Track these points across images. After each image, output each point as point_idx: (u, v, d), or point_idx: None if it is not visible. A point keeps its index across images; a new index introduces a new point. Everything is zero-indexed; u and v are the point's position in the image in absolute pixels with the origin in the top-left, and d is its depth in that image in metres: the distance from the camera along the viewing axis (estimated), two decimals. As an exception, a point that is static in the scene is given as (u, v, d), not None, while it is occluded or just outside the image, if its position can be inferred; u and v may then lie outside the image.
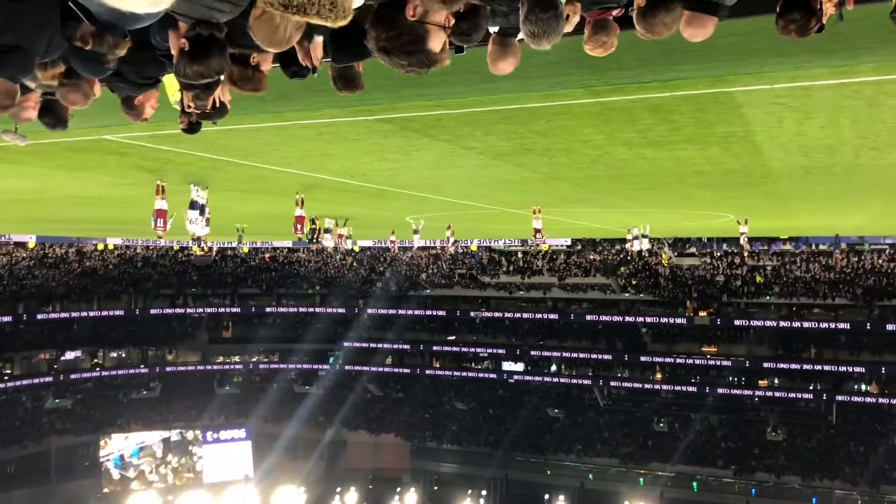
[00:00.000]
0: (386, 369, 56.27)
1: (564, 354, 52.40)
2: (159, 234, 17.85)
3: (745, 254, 48.79)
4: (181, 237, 33.75)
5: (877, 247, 45.87)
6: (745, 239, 28.75)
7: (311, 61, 3.25)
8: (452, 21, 2.25)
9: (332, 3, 1.80)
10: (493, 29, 2.85)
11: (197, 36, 2.41)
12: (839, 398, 45.67)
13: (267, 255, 61.04)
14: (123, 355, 57.06)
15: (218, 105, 3.65)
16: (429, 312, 56.18)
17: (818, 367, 46.42)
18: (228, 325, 60.40)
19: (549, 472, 49.32)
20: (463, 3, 1.87)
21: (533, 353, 53.08)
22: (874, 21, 5.86)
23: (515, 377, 53.27)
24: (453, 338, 55.83)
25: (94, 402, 52.98)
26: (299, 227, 22.15)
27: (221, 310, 59.91)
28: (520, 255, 54.43)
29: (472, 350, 55.14)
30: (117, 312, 56.28)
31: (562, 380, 52.37)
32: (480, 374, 54.69)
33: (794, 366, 46.99)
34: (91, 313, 55.26)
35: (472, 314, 54.91)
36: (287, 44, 2.20)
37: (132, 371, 55.35)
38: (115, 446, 48.39)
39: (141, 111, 3.60)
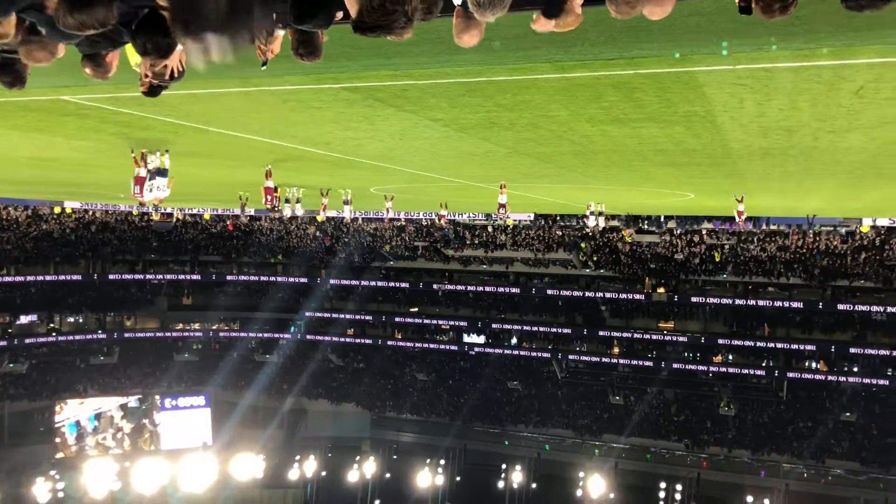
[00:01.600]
0: (347, 339, 56.33)
1: (525, 328, 52.94)
2: (141, 201, 17.78)
3: (704, 232, 49.56)
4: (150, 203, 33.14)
5: (827, 227, 46.88)
6: (742, 218, 28.11)
7: (264, 55, 3.23)
8: None
9: None
10: (457, 1, 2.87)
11: None
12: (790, 375, 46.93)
13: (230, 223, 60.38)
14: (80, 320, 56.26)
15: (177, 74, 3.59)
16: (391, 284, 56.25)
17: (771, 345, 47.59)
18: (188, 292, 59.81)
19: (506, 443, 50.08)
20: None
21: (494, 325, 53.55)
22: (833, 5, 5.98)
23: (476, 349, 53.72)
24: (416, 309, 56.03)
25: (50, 367, 52.24)
26: (268, 197, 22.28)
27: (181, 276, 59.26)
28: (490, 228, 54.48)
29: (434, 322, 55.42)
30: (75, 277, 55.34)
31: (521, 352, 52.97)
32: (442, 346, 55.04)
33: (747, 343, 48.13)
34: (48, 277, 54.28)
35: (434, 286, 55.10)
36: None
37: (89, 336, 54.60)
38: (71, 412, 47.94)
39: (108, 69, 3.52)
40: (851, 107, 10.41)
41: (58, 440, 47.03)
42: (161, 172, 17.25)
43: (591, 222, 34.43)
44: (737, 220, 28.23)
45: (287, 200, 27.19)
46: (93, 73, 3.45)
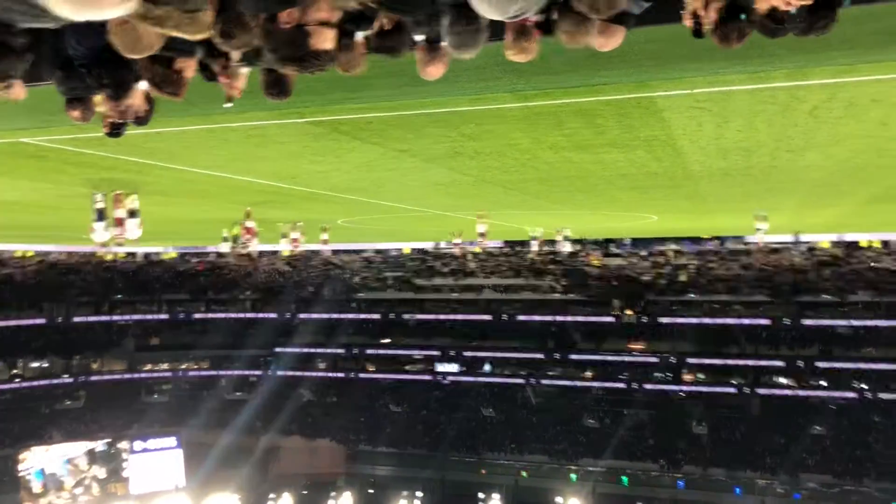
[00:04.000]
0: (319, 374, 55.72)
1: (498, 354, 52.84)
2: (122, 241, 17.78)
3: (671, 253, 50.16)
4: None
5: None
6: (763, 238, 26.78)
7: (231, 91, 3.27)
8: (338, 16, 2.30)
9: (191, 17, 1.84)
10: (420, 37, 2.92)
11: None
12: (760, 391, 47.35)
13: (200, 265, 59.74)
14: (45, 365, 54.96)
15: (143, 114, 3.60)
16: (362, 316, 55.89)
17: (740, 362, 48.05)
18: (156, 332, 58.82)
19: (483, 471, 49.69)
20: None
21: (467, 353, 53.36)
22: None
23: (450, 378, 53.46)
24: (387, 340, 55.69)
25: (14, 414, 50.83)
26: (248, 237, 22.86)
27: (149, 317, 58.31)
28: (469, 256, 54.13)
29: (407, 352, 55.09)
30: (38, 321, 54.16)
31: (495, 379, 52.81)
32: (415, 377, 54.68)
33: (717, 361, 48.51)
34: (10, 322, 53.04)
35: (405, 316, 54.80)
36: (150, 51, 2.22)
37: (55, 381, 53.33)
38: (36, 459, 46.59)
39: (93, 111, 3.52)
40: (807, 126, 10.68)
41: (23, 490, 45.61)
42: (133, 213, 17.47)
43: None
44: (757, 240, 27.14)
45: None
46: (81, 115, 3.45)
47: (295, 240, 28.56)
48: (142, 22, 1.82)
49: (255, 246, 26.35)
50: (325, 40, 2.24)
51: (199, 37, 1.92)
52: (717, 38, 2.80)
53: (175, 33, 1.89)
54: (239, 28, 2.28)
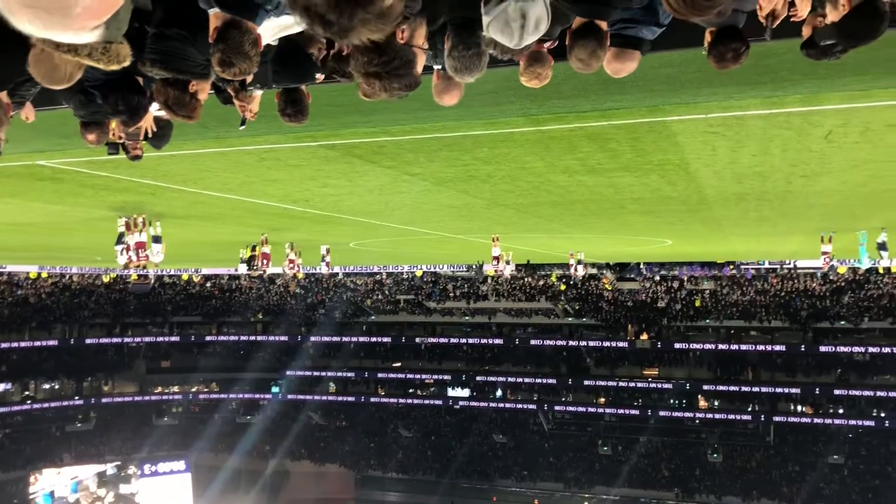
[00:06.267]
0: (330, 397, 55.55)
1: (510, 379, 52.51)
2: (139, 264, 18.01)
3: (685, 279, 49.80)
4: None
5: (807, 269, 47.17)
6: (827, 261, 23.26)
7: (245, 113, 3.28)
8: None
9: (105, 48, 1.83)
10: (437, 66, 2.91)
11: None
12: (776, 419, 46.77)
13: (215, 289, 59.91)
14: (57, 387, 55.09)
15: (150, 135, 3.62)
16: (373, 339, 55.76)
17: (756, 389, 47.53)
18: (167, 355, 58.90)
19: (494, 498, 49.21)
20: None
21: (478, 378, 53.06)
22: (798, 54, 6.11)
23: (461, 403, 53.13)
24: (398, 364, 55.49)
25: (25, 435, 50.90)
26: (265, 262, 23.01)
27: (160, 339, 58.43)
28: (489, 280, 53.27)
29: (418, 377, 54.85)
30: (50, 342, 54.37)
31: (507, 405, 52.43)
32: (426, 401, 54.39)
33: (732, 388, 48.02)
34: (22, 343, 53.26)
35: (416, 340, 54.59)
36: (68, 81, 2.22)
37: (66, 403, 53.40)
38: (47, 482, 46.56)
39: (108, 135, 3.56)
40: (822, 151, 10.61)
41: (32, 512, 45.54)
42: (156, 239, 17.82)
43: (578, 272, 34.87)
44: (821, 263, 23.75)
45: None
46: (97, 138, 3.48)
47: (292, 261, 28.08)
48: (55, 50, 1.80)
49: (271, 269, 26.39)
50: (421, 65, 2.23)
51: (113, 67, 1.91)
52: (712, 60, 2.78)
53: (90, 62, 1.88)
54: (238, 56, 2.28)
